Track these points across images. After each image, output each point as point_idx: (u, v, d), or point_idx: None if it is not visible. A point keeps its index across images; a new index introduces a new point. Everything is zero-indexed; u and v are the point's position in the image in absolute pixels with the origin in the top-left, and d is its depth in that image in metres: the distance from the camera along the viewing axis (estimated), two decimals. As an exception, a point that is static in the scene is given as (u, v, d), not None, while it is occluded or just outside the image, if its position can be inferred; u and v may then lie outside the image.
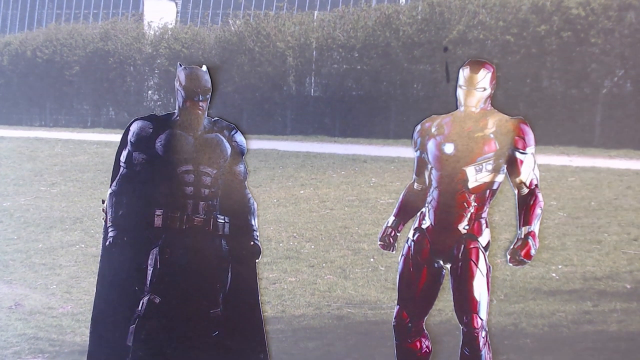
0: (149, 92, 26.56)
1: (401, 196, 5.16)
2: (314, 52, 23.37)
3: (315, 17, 24.00)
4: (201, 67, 4.99)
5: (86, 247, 10.14)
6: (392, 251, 5.14)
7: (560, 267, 8.76)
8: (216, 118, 5.03)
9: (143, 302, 4.79)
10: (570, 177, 13.56)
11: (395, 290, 5.05)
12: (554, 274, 8.52)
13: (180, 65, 5.00)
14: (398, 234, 5.10)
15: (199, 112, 4.90)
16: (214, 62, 24.06)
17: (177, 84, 4.96)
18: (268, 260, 9.19)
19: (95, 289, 4.98)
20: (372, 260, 9.18)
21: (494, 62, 4.97)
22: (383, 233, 5.12)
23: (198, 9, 32.84)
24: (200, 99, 4.89)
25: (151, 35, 26.53)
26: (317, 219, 11.25)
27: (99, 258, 4.99)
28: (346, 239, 10.16)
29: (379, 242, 5.15)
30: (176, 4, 31.59)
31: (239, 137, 5.02)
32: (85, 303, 7.84)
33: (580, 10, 19.18)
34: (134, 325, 4.78)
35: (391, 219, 5.13)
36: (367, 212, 11.54)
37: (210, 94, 4.93)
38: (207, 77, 4.95)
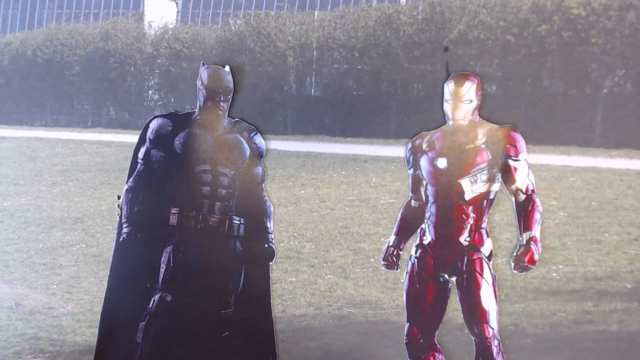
0: (150, 92, 26.53)
1: (399, 214, 5.17)
2: (315, 52, 23.36)
3: (315, 17, 23.99)
4: (224, 67, 4.99)
5: (87, 247, 10.14)
6: (397, 270, 5.15)
7: (560, 267, 8.75)
8: (237, 119, 5.04)
9: (154, 300, 4.79)
10: (570, 177, 13.56)
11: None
12: (554, 274, 8.51)
13: (203, 65, 5.00)
14: (400, 252, 5.12)
15: (220, 112, 4.91)
16: (215, 62, 24.03)
17: (199, 83, 4.96)
18: (268, 260, 9.18)
19: (103, 286, 4.98)
20: (372, 260, 9.17)
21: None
22: (385, 253, 5.14)
23: (198, 9, 32.82)
24: (222, 99, 4.90)
25: (152, 35, 26.52)
26: (318, 219, 11.25)
27: (109, 255, 4.99)
28: (347, 239, 10.16)
29: (382, 263, 5.17)
30: (177, 3, 31.57)
31: (259, 139, 5.03)
32: (86, 303, 7.85)
33: (580, 10, 19.17)
34: (144, 322, 4.79)
35: (392, 238, 5.14)
36: (367, 212, 11.54)
37: (231, 94, 4.94)
38: (230, 77, 4.96)
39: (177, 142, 4.86)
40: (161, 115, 4.98)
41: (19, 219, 11.76)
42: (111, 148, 18.65)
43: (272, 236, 4.99)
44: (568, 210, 11.14)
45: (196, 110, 4.96)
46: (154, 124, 4.93)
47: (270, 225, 5.00)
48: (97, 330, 5.01)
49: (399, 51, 21.64)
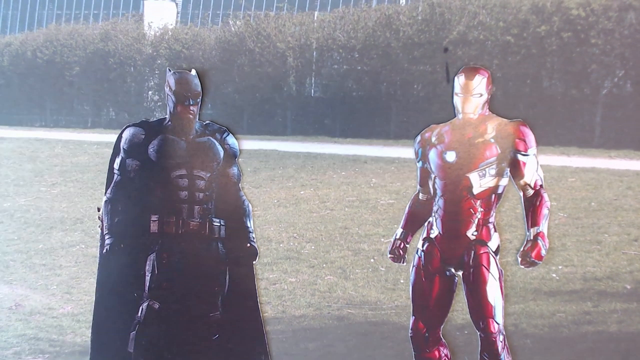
0: (149, 92, 26.55)
1: (407, 208, 5.14)
2: (315, 53, 23.37)
3: (315, 18, 24.01)
4: (190, 71, 5.00)
5: (86, 247, 10.14)
6: (403, 263, 5.13)
7: (560, 267, 8.76)
8: (207, 122, 5.04)
9: (142, 308, 4.79)
10: (570, 177, 13.56)
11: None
12: (554, 275, 8.52)
13: (170, 71, 5.01)
14: (407, 246, 5.10)
15: (190, 116, 4.91)
16: (214, 63, 24.06)
17: (167, 89, 4.97)
18: (268, 260, 9.19)
19: (94, 294, 4.98)
20: (372, 260, 9.18)
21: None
22: (392, 246, 5.11)
23: (198, 10, 32.83)
24: (191, 103, 4.90)
25: (151, 35, 26.53)
26: (318, 220, 11.25)
27: (98, 264, 4.99)
28: (346, 240, 10.17)
29: (389, 255, 5.14)
30: (176, 4, 31.58)
31: (231, 140, 5.03)
32: (86, 303, 7.85)
33: (580, 11, 19.19)
34: (134, 332, 4.78)
35: (399, 231, 5.12)
36: (367, 213, 11.55)
37: (200, 97, 4.95)
38: (197, 81, 4.96)
39: (151, 150, 4.87)
40: (133, 125, 4.99)
41: (18, 219, 11.76)
42: (111, 149, 18.63)
43: (254, 235, 5.00)
44: (567, 210, 11.15)
45: (167, 116, 4.96)
46: (126, 134, 4.94)
47: (250, 224, 5.01)
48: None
49: (398, 52, 21.65)
